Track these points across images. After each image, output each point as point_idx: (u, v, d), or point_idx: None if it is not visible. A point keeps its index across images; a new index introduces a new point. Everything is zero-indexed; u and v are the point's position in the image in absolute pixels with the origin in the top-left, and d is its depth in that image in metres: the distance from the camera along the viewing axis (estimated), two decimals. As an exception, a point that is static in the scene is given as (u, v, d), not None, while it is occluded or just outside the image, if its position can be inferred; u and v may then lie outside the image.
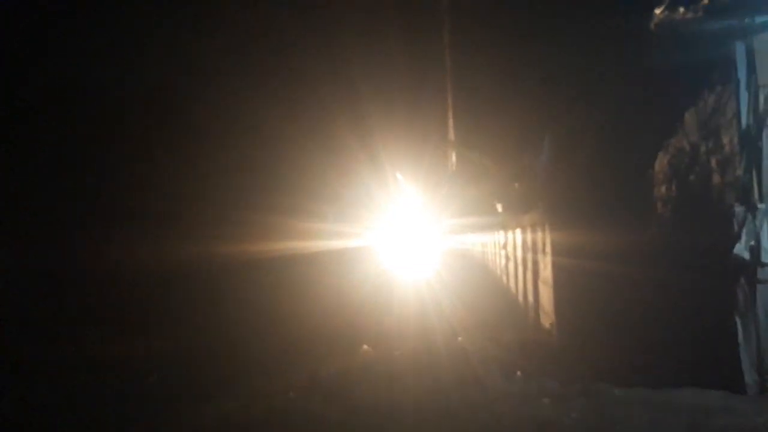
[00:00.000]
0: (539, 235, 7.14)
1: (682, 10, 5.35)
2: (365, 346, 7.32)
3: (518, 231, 8.68)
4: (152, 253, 8.47)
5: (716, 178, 5.33)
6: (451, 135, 9.39)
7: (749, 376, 5.09)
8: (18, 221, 8.38)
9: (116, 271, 8.41)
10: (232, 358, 6.86)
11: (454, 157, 9.83)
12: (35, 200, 8.51)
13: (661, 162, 5.67)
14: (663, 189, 5.66)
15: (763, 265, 5.13)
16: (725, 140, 5.32)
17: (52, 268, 8.17)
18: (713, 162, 5.39)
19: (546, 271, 6.78)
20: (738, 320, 5.15)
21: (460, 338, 7.38)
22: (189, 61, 8.56)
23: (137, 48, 8.42)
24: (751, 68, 5.22)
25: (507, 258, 9.97)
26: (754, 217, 5.17)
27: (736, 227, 5.20)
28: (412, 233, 11.17)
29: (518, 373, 5.80)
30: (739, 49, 5.27)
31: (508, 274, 9.85)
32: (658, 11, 5.45)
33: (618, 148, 5.92)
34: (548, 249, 6.59)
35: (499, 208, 8.70)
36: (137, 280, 8.57)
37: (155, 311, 8.49)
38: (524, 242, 8.21)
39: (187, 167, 8.99)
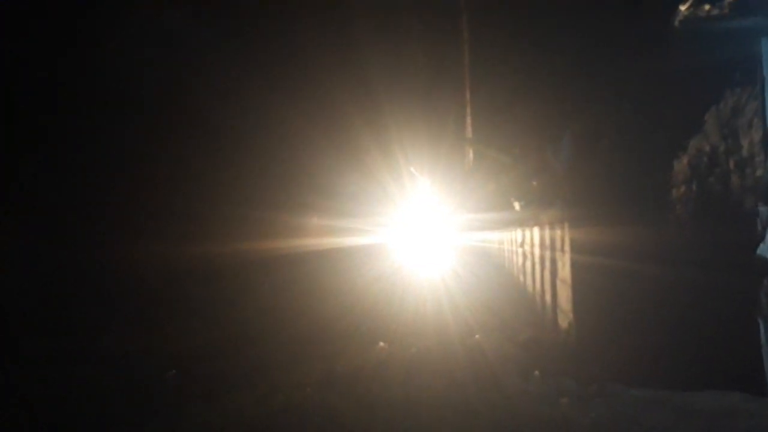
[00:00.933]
0: (558, 232, 7.08)
1: (707, 6, 5.27)
2: (381, 343, 7.33)
3: (536, 229, 8.62)
4: (170, 249, 8.53)
5: (739, 178, 5.26)
6: (469, 131, 9.33)
7: (771, 379, 5.03)
8: (38, 216, 8.48)
9: (134, 267, 8.48)
10: (248, 354, 6.90)
11: (470, 154, 9.77)
12: (53, 196, 8.60)
13: (682, 161, 5.60)
14: (683, 188, 5.59)
15: (787, 266, 5.06)
16: (747, 140, 5.24)
17: (69, 262, 8.25)
18: (735, 162, 5.32)
19: (564, 270, 6.73)
20: (761, 322, 5.08)
21: (477, 336, 7.36)
22: (197, 55, 8.57)
23: (148, 43, 8.44)
24: (778, 67, 5.14)
25: (524, 256, 9.90)
26: (779, 217, 5.10)
27: (760, 227, 5.13)
28: (427, 230, 11.15)
29: (536, 372, 5.77)
30: (765, 48, 5.18)
31: (525, 273, 9.78)
32: (683, 8, 5.38)
33: (638, 147, 5.86)
34: (567, 247, 6.54)
35: (517, 205, 8.63)
36: (155, 276, 8.64)
37: (172, 307, 8.56)
38: (542, 240, 8.16)
39: (197, 163, 9.02)
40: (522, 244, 10.09)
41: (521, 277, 10.10)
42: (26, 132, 8.50)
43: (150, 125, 8.69)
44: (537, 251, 8.60)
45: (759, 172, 5.18)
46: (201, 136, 8.92)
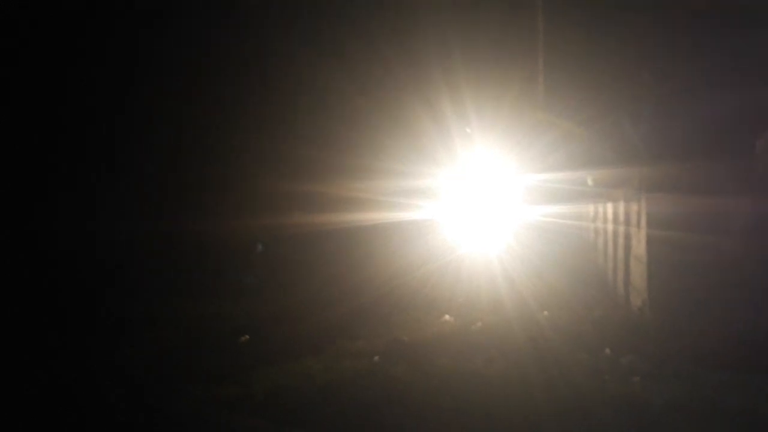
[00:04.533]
0: (633, 207, 6.80)
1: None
2: (447, 316, 7.33)
3: (608, 203, 8.33)
4: (242, 223, 8.81)
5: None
6: (539, 100, 9.02)
7: None
8: (130, 192, 8.91)
9: (209, 239, 8.81)
10: (319, 322, 7.05)
11: (538, 122, 9.47)
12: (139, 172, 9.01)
13: None
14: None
15: None
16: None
17: (151, 233, 8.64)
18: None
19: (639, 246, 6.47)
20: None
21: (545, 312, 7.23)
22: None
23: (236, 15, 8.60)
24: None
25: (595, 231, 9.61)
26: None
27: None
28: (497, 206, 10.98)
29: (606, 350, 5.62)
30: None
31: (596, 249, 9.51)
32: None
33: (726, 113, 5.51)
34: (643, 222, 6.27)
35: (589, 179, 8.33)
36: (229, 247, 8.96)
37: (246, 276, 8.87)
38: (615, 214, 7.87)
39: (260, 138, 9.17)
40: (592, 219, 9.79)
41: (591, 254, 9.82)
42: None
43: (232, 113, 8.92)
44: (609, 226, 8.31)
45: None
46: (272, 111, 9.07)
